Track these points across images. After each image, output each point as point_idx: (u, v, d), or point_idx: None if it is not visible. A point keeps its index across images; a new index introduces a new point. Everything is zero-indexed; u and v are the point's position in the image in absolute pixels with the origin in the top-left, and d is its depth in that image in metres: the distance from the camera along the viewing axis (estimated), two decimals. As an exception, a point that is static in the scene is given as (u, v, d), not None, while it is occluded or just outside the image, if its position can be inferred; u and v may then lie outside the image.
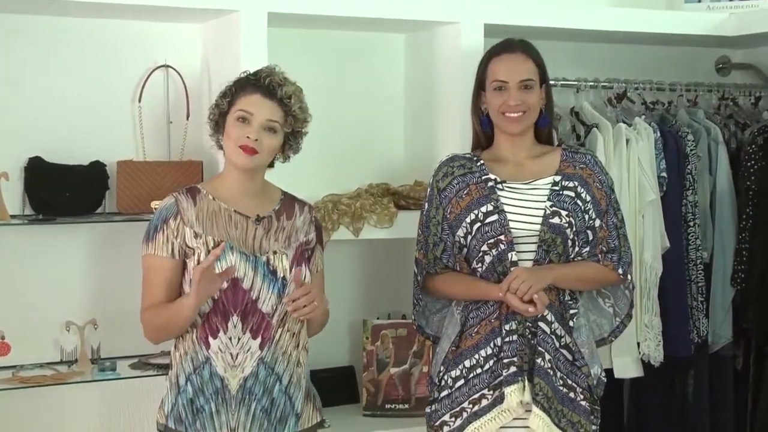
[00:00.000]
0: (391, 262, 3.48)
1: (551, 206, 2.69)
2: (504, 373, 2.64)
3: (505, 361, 2.64)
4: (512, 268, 2.65)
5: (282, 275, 2.56)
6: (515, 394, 2.62)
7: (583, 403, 2.69)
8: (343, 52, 3.41)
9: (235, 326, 2.53)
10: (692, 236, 3.48)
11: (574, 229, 2.69)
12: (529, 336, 2.66)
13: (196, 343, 2.55)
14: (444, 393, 2.73)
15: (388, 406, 3.33)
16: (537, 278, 2.60)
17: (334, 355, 3.44)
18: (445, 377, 2.74)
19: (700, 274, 3.50)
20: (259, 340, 2.54)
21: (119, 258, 3.17)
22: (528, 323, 2.66)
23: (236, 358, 2.53)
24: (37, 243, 3.08)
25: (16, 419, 3.05)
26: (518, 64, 2.76)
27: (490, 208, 2.70)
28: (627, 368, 3.38)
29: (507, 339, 2.65)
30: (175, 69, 3.19)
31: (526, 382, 2.63)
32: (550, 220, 2.68)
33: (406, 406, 3.33)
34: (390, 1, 3.15)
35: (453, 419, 2.71)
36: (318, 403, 2.71)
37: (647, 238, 3.36)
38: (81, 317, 3.07)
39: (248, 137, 2.54)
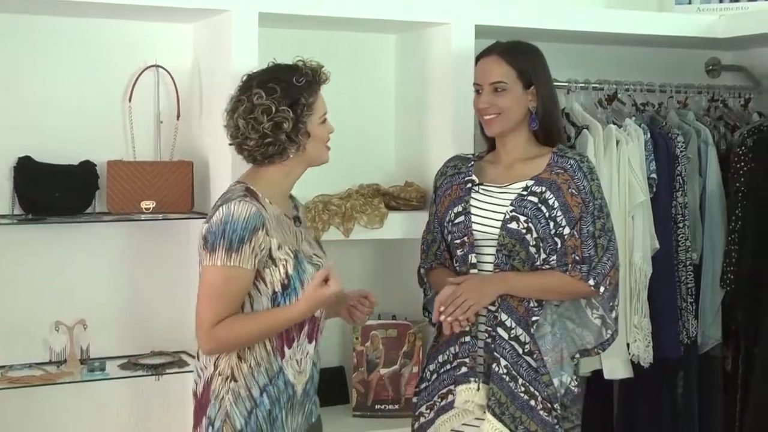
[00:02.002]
0: (381, 263, 3.48)
1: (511, 211, 2.69)
2: (456, 373, 2.70)
3: (458, 361, 2.70)
4: (465, 278, 2.67)
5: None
6: (464, 394, 2.68)
7: (542, 412, 2.67)
8: (334, 53, 3.39)
9: (303, 333, 2.55)
10: (682, 237, 3.48)
11: (536, 235, 2.67)
12: (488, 339, 2.68)
13: (271, 354, 2.51)
14: (423, 385, 2.83)
15: (377, 406, 3.33)
16: (481, 293, 2.63)
17: (324, 356, 3.39)
18: (426, 370, 2.83)
19: (689, 275, 3.51)
20: (313, 343, 2.59)
21: (108, 258, 3.17)
22: (486, 327, 2.68)
23: (301, 363, 2.56)
24: (26, 243, 3.07)
25: (5, 419, 3.05)
26: (491, 66, 2.77)
27: (460, 209, 2.75)
28: (616, 369, 3.38)
29: (461, 339, 2.70)
30: (165, 69, 3.19)
31: (481, 385, 2.67)
32: (508, 225, 2.67)
33: (396, 406, 3.33)
34: (381, 1, 3.15)
35: (428, 411, 2.80)
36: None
37: (637, 239, 3.36)
38: (70, 317, 3.06)
39: (332, 131, 2.63)
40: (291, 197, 2.69)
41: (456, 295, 2.63)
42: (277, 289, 2.48)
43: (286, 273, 2.47)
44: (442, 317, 2.63)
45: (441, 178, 2.89)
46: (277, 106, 2.48)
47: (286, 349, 2.52)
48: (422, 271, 2.92)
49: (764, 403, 3.32)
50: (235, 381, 2.50)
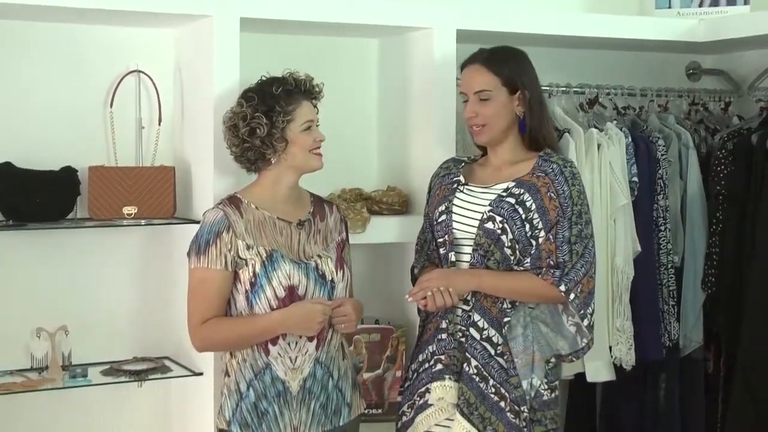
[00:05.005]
0: (364, 267, 3.47)
1: (489, 211, 2.70)
2: (432, 371, 2.72)
3: (435, 358, 2.73)
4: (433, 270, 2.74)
5: (330, 278, 2.70)
6: (438, 391, 2.70)
7: (509, 414, 2.66)
8: (316, 57, 3.40)
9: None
10: (663, 240, 3.50)
11: (511, 236, 2.67)
12: (462, 339, 2.70)
13: (255, 350, 2.65)
14: (407, 384, 2.85)
15: (361, 411, 3.33)
16: (448, 280, 2.66)
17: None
18: (409, 370, 2.86)
19: (671, 278, 3.53)
20: (314, 342, 2.67)
21: (90, 264, 3.16)
22: (460, 326, 2.70)
23: (295, 361, 2.66)
24: (7, 249, 3.06)
25: (-14, 427, 3.03)
26: (474, 75, 2.78)
27: (443, 208, 2.78)
28: (599, 372, 3.39)
29: (438, 336, 2.73)
30: (147, 74, 3.18)
31: (453, 383, 2.69)
32: (485, 225, 2.69)
33: (380, 411, 3.32)
34: (363, 6, 3.15)
35: (409, 410, 2.82)
36: (362, 391, 2.89)
37: (619, 242, 3.37)
38: (52, 323, 3.04)
39: (321, 140, 2.72)
40: (316, 202, 2.81)
41: (423, 279, 2.70)
42: (247, 288, 2.63)
43: (254, 272, 2.62)
44: (410, 299, 2.71)
45: (434, 179, 2.92)
46: (252, 113, 2.65)
47: (270, 346, 2.64)
48: (415, 271, 2.95)
49: (745, 405, 3.33)
50: (228, 376, 2.71)
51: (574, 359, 2.81)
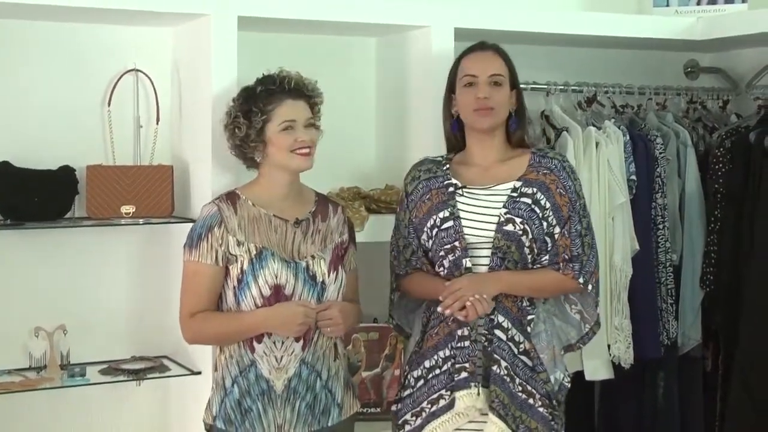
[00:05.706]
0: (362, 266, 3.46)
1: (506, 213, 2.68)
2: (456, 378, 2.66)
3: (457, 366, 2.67)
4: (457, 278, 2.67)
5: (321, 280, 2.68)
6: (465, 399, 2.65)
7: (541, 409, 2.68)
8: (314, 56, 3.40)
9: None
10: (662, 239, 3.50)
11: (531, 236, 2.67)
12: (485, 343, 2.67)
13: (241, 347, 2.66)
14: (407, 392, 2.78)
15: (359, 409, 3.32)
16: (481, 286, 2.62)
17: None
18: (408, 377, 2.79)
19: (669, 276, 3.53)
20: (301, 342, 2.65)
21: (88, 263, 3.16)
22: (483, 330, 2.67)
23: (281, 360, 2.64)
24: (5, 248, 3.05)
25: (-15, 426, 3.03)
26: (488, 60, 2.78)
27: (447, 214, 2.72)
28: (598, 370, 3.40)
29: (459, 344, 2.67)
30: (144, 73, 3.18)
31: (481, 388, 2.64)
32: (504, 228, 2.67)
33: (378, 409, 3.33)
34: (361, 5, 3.15)
35: (414, 418, 2.75)
36: (356, 391, 2.86)
37: (617, 240, 3.37)
38: (50, 322, 3.04)
39: (303, 140, 2.66)
40: (320, 201, 2.80)
41: (453, 288, 2.62)
42: (234, 284, 2.64)
43: (242, 269, 2.63)
44: (447, 311, 2.62)
45: (414, 182, 2.83)
46: (235, 113, 2.68)
47: (256, 344, 2.64)
48: (392, 277, 2.90)
49: (743, 405, 3.34)
50: (217, 371, 2.72)
51: (581, 346, 2.86)
